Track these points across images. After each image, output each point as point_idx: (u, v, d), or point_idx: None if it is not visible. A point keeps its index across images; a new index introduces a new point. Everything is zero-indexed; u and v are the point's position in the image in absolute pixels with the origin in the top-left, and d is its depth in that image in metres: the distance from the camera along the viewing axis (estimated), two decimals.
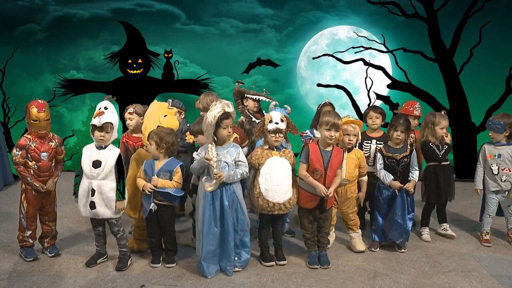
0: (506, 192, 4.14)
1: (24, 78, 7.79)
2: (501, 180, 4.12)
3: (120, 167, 3.57)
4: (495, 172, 4.14)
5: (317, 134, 4.32)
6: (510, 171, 4.08)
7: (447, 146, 4.21)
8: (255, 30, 7.37)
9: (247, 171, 3.56)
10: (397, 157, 3.98)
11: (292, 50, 7.36)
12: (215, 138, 3.48)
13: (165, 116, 3.84)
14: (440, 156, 4.18)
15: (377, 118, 4.37)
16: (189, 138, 3.94)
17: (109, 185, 3.50)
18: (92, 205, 3.50)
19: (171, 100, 4.40)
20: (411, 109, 4.57)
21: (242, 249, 3.64)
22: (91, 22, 7.59)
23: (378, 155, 4.06)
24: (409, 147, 4.03)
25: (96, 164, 3.49)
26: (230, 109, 3.47)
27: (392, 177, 3.97)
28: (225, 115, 3.43)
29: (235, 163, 3.51)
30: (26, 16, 7.65)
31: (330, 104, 4.55)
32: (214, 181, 3.41)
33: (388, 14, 7.03)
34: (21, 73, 7.79)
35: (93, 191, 3.49)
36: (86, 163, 3.52)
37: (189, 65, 7.57)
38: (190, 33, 7.47)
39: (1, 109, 7.82)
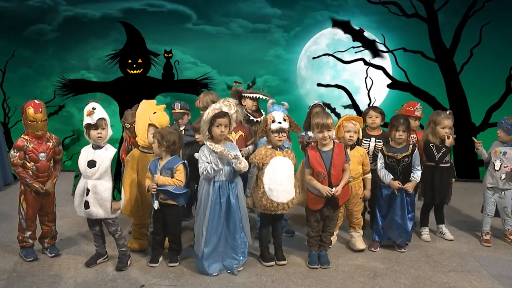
0: (502, 193, 4.14)
1: (34, 78, 7.80)
2: (500, 177, 4.12)
3: (117, 167, 3.55)
4: (497, 168, 4.13)
5: (311, 134, 4.34)
6: (510, 170, 4.07)
7: (445, 149, 4.17)
8: (263, 30, 7.39)
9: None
10: (397, 156, 3.98)
11: (301, 50, 7.38)
12: (210, 136, 3.49)
13: (154, 113, 3.84)
14: (436, 158, 4.17)
15: (376, 117, 4.38)
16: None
17: (104, 185, 3.48)
18: (86, 205, 3.47)
19: (179, 104, 4.41)
20: (412, 109, 4.56)
21: (245, 248, 3.65)
22: (101, 22, 7.60)
23: (379, 154, 4.07)
24: (410, 146, 4.02)
25: (91, 163, 3.47)
26: (230, 109, 3.46)
27: (392, 177, 3.97)
28: (220, 114, 3.43)
29: None
30: (37, 16, 7.66)
31: (320, 105, 4.57)
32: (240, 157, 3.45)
33: (389, 14, 7.04)
34: (31, 73, 7.80)
35: (87, 191, 3.47)
36: (82, 163, 3.51)
37: (200, 65, 7.57)
38: (201, 33, 7.47)
39: (1, 109, 7.82)
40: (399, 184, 3.94)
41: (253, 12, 7.37)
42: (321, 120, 3.55)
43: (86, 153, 3.54)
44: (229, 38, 7.44)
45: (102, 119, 3.49)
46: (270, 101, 4.26)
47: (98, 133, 3.48)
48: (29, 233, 3.79)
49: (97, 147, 3.53)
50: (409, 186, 3.96)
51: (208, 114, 3.45)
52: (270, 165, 3.56)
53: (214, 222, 3.50)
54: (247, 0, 7.37)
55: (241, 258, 3.62)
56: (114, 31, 7.62)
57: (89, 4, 7.57)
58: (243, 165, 3.41)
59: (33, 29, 7.67)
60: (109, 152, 3.52)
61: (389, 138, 4.11)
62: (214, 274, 3.51)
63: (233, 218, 3.51)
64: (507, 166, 4.08)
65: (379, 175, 4.03)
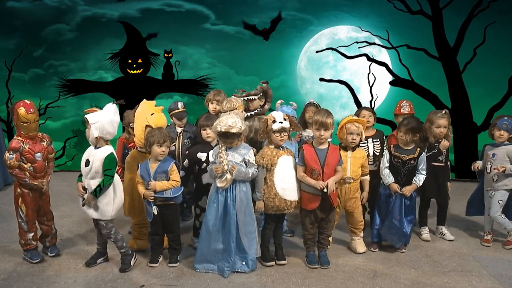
0: (493, 193, 4.09)
1: (51, 78, 7.82)
2: (493, 180, 4.10)
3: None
4: (488, 171, 4.12)
5: (306, 132, 4.36)
6: (499, 170, 4.02)
7: (437, 149, 4.14)
8: (278, 30, 7.38)
9: (257, 172, 3.55)
10: (403, 158, 3.93)
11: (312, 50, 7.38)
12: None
13: (152, 114, 3.84)
14: (426, 155, 4.13)
15: (370, 116, 4.38)
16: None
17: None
18: (83, 203, 3.51)
19: (182, 103, 4.37)
20: (398, 107, 4.66)
21: (247, 255, 3.58)
22: (119, 22, 7.63)
23: (385, 152, 4.03)
24: (418, 149, 3.95)
25: (87, 162, 3.48)
26: (241, 127, 3.45)
27: (393, 179, 3.94)
28: (229, 134, 3.42)
29: (245, 163, 3.50)
30: (55, 16, 7.71)
31: (314, 104, 4.56)
32: (226, 176, 3.41)
33: (393, 10, 7.01)
34: (47, 73, 7.83)
35: (85, 189, 3.49)
36: (82, 161, 3.55)
37: (217, 65, 7.58)
38: (218, 33, 7.49)
39: (5, 108, 7.83)
40: (398, 188, 3.90)
41: (268, 13, 7.37)
42: (321, 118, 3.55)
43: (87, 152, 3.56)
44: (246, 38, 7.45)
45: (86, 119, 3.49)
46: (279, 101, 4.28)
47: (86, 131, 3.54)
48: (31, 234, 3.77)
49: (95, 146, 3.52)
50: (407, 190, 3.89)
51: (218, 128, 3.43)
52: (279, 165, 3.57)
53: (210, 219, 3.51)
54: (262, 0, 7.38)
55: (244, 263, 3.57)
56: None
57: (107, 4, 7.60)
58: (222, 185, 3.43)
59: (51, 29, 7.72)
60: (101, 152, 3.46)
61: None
62: (198, 270, 3.54)
63: (229, 221, 3.49)
64: (495, 168, 4.05)
65: (381, 173, 4.01)
